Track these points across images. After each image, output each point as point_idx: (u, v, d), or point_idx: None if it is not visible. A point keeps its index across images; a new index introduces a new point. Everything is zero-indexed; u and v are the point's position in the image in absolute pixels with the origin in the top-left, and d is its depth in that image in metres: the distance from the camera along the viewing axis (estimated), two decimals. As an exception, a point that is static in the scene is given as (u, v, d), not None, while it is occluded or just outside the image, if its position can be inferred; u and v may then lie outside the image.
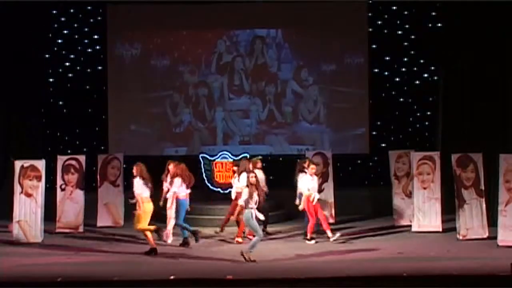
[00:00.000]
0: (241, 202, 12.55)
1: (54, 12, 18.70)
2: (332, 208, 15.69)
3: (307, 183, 13.91)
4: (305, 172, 14.04)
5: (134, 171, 13.07)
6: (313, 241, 13.84)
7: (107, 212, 15.57)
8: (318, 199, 14.04)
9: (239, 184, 14.00)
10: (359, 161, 18.45)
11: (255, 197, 12.32)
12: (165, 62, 18.88)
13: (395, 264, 11.85)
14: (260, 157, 15.08)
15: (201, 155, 17.36)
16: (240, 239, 13.95)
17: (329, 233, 13.87)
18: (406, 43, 18.66)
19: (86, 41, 18.86)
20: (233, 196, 14.32)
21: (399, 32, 18.68)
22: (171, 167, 13.95)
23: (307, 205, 13.89)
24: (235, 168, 14.73)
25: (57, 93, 18.83)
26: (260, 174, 14.24)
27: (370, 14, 18.70)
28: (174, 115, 18.90)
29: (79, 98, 18.68)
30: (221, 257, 12.64)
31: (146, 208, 12.85)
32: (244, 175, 13.65)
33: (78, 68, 18.84)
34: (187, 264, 12.16)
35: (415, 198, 14.93)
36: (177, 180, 13.69)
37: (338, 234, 13.88)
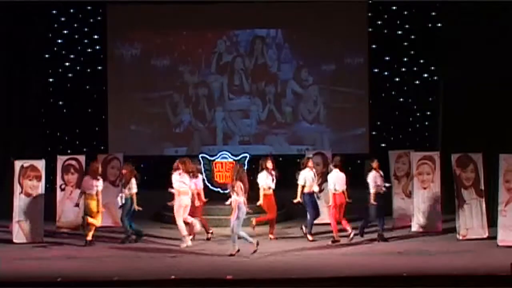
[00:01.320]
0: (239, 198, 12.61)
1: (54, 12, 18.71)
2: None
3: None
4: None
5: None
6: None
7: (107, 212, 15.52)
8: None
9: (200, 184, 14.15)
10: (359, 161, 18.42)
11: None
12: (165, 62, 18.90)
13: (395, 264, 11.85)
14: (311, 155, 14.95)
15: (201, 155, 17.32)
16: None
17: (334, 234, 13.86)
18: (406, 43, 18.68)
19: (86, 41, 18.88)
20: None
21: (399, 32, 18.70)
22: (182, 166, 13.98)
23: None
24: (193, 166, 14.31)
25: (57, 93, 18.84)
26: (311, 173, 14.23)
27: (370, 14, 18.72)
28: (174, 115, 18.91)
29: (79, 98, 18.71)
30: (221, 257, 12.64)
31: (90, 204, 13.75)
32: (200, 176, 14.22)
33: (78, 68, 18.86)
34: (187, 264, 12.17)
35: (415, 198, 14.93)
36: (134, 180, 14.03)
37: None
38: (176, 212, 13.69)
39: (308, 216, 14.22)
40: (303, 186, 14.14)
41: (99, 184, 13.94)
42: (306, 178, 14.13)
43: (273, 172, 14.22)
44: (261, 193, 14.07)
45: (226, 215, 15.35)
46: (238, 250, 12.72)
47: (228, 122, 18.89)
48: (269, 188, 14.14)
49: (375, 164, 14.11)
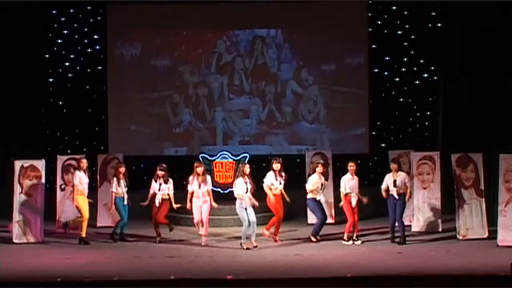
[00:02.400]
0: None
1: (54, 12, 18.69)
2: (332, 208, 15.69)
3: (346, 183, 13.90)
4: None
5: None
6: (350, 242, 13.79)
7: (107, 212, 15.55)
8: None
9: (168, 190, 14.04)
10: (359, 161, 18.39)
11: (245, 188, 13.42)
12: (165, 62, 18.88)
13: (395, 264, 11.86)
14: (321, 161, 14.69)
15: (201, 155, 17.33)
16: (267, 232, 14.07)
17: (354, 236, 13.86)
18: (406, 43, 18.67)
19: (86, 41, 18.85)
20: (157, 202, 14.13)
21: (399, 32, 18.69)
22: (199, 169, 13.89)
23: (345, 205, 13.90)
24: (160, 173, 14.10)
25: (57, 93, 18.82)
26: (320, 181, 14.10)
27: (370, 14, 18.71)
28: (174, 115, 18.90)
29: (79, 98, 18.68)
30: (221, 257, 12.65)
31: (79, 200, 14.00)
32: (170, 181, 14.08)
33: (78, 68, 18.84)
34: (187, 264, 12.17)
35: (415, 198, 14.93)
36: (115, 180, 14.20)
37: (358, 242, 13.87)
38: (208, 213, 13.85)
39: (317, 220, 14.16)
40: (311, 191, 14.07)
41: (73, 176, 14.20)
42: (315, 184, 14.01)
43: (282, 174, 14.16)
44: (266, 190, 13.95)
45: (225, 215, 15.44)
46: (256, 246, 13.26)
47: (228, 122, 18.88)
48: (276, 188, 14.01)
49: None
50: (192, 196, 13.74)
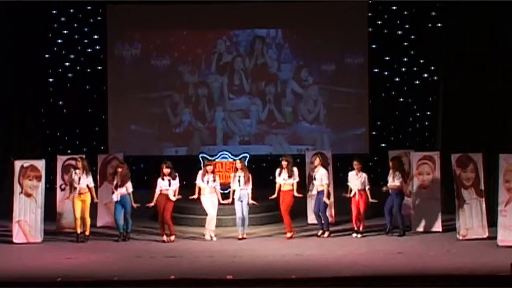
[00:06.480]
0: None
1: (54, 12, 18.67)
2: (332, 208, 15.71)
3: (351, 179, 14.63)
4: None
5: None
6: (357, 235, 14.54)
7: (107, 212, 15.56)
8: None
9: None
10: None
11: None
12: (165, 62, 18.86)
13: (395, 264, 11.86)
14: (318, 154, 15.35)
15: (201, 155, 17.32)
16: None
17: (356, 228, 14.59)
18: (406, 43, 18.66)
19: (86, 41, 18.82)
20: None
21: (399, 32, 18.68)
22: (209, 168, 14.60)
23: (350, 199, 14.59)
24: (166, 170, 14.24)
25: (57, 93, 18.81)
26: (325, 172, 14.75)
27: (370, 14, 18.70)
28: (174, 115, 18.89)
29: (79, 98, 18.66)
30: (221, 257, 12.65)
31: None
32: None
33: (78, 68, 18.81)
34: (187, 264, 12.18)
35: (415, 198, 14.94)
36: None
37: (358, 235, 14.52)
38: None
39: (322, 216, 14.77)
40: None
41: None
42: (322, 176, 14.66)
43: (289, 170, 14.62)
44: (276, 187, 14.64)
45: (225, 215, 15.45)
46: (244, 238, 14.29)
47: (228, 122, 18.87)
48: (289, 184, 14.54)
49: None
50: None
